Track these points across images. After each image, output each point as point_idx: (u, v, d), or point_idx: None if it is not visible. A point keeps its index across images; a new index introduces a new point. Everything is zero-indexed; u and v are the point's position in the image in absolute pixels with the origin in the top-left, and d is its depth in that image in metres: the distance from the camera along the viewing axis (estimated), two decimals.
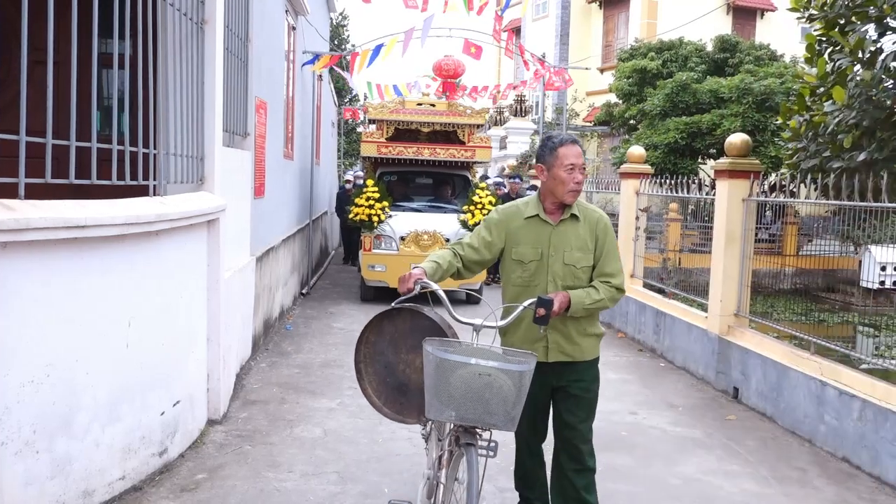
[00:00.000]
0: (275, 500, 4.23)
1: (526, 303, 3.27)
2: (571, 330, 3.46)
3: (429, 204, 11.78)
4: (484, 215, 10.41)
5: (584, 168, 3.40)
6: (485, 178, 15.80)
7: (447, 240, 10.60)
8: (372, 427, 5.52)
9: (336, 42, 28.71)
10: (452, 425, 3.12)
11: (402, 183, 12.12)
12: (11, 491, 3.34)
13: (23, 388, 3.36)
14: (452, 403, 2.84)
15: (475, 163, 11.98)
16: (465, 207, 11.06)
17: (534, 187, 13.14)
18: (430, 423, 3.65)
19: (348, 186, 14.75)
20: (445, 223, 10.95)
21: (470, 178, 12.15)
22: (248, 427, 5.40)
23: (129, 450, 4.14)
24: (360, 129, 37.24)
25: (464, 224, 10.87)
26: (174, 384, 4.65)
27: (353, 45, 34.47)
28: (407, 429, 5.48)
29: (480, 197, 11.03)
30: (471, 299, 10.75)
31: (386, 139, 11.28)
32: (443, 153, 11.28)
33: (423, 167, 11.79)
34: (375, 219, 10.66)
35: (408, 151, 11.22)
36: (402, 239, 10.69)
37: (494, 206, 10.65)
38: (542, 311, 3.18)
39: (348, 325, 9.29)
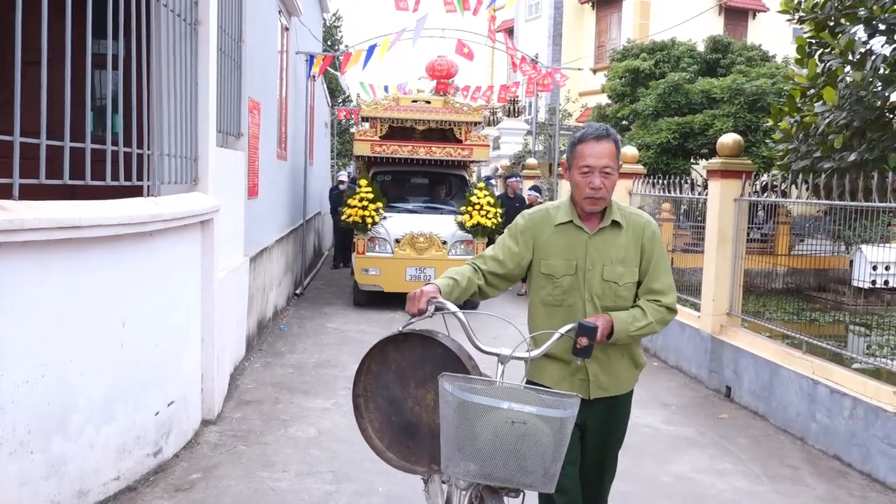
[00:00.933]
0: (269, 499, 4.25)
1: (564, 329, 2.70)
2: (613, 359, 2.92)
3: (424, 205, 11.34)
4: (482, 216, 10.45)
5: (610, 171, 2.79)
6: (487, 179, 15.33)
7: (444, 242, 10.37)
8: None
9: (329, 43, 28.70)
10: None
11: (397, 183, 11.64)
12: (6, 491, 3.34)
13: (17, 389, 3.37)
14: (477, 457, 2.30)
15: (472, 162, 11.63)
16: (463, 208, 10.65)
17: (536, 188, 12.89)
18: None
19: (342, 187, 14.27)
20: (442, 225, 10.56)
21: (467, 177, 11.80)
22: (243, 427, 5.40)
23: (124, 450, 4.15)
24: (353, 130, 37.32)
25: (461, 226, 10.51)
26: (168, 384, 4.65)
27: (347, 46, 34.49)
28: None
29: (479, 197, 10.61)
30: (467, 304, 10.64)
31: (380, 137, 10.81)
32: (439, 152, 10.81)
33: (418, 167, 11.36)
34: (369, 220, 10.21)
35: (402, 150, 10.76)
36: (397, 241, 10.29)
37: (493, 206, 10.52)
38: (584, 341, 2.62)
39: (342, 325, 9.30)
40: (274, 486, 4.41)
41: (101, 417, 3.95)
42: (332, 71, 13.30)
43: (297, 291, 11.64)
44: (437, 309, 2.67)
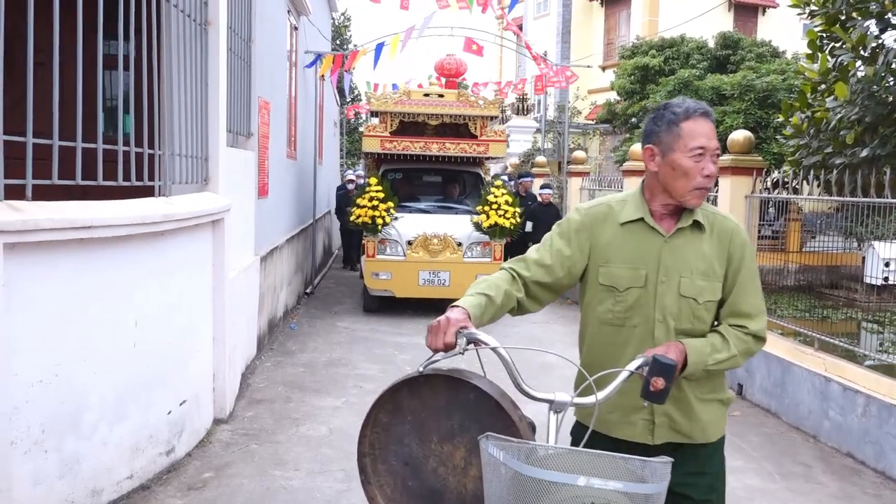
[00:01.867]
0: (281, 497, 4.26)
1: (632, 366, 2.07)
2: (689, 395, 2.28)
3: (438, 204, 10.72)
4: (500, 216, 9.74)
5: (718, 155, 2.26)
6: (498, 176, 15.13)
7: (459, 244, 9.74)
8: None
9: (338, 42, 28.73)
10: None
11: (408, 181, 11.00)
12: (21, 490, 3.36)
13: (32, 388, 3.39)
14: None
15: (488, 158, 11.00)
16: (479, 208, 9.91)
17: (547, 186, 12.25)
18: None
19: (350, 186, 13.75)
20: (457, 225, 9.91)
21: (483, 175, 11.15)
22: (254, 426, 5.42)
23: (137, 449, 4.17)
24: (362, 129, 37.35)
25: (477, 226, 9.83)
26: (180, 383, 4.67)
27: (356, 45, 34.52)
28: None
29: (496, 196, 9.87)
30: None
31: (390, 133, 10.13)
32: (453, 148, 10.13)
33: (431, 163, 10.66)
34: (380, 221, 9.56)
35: (414, 146, 10.07)
36: (410, 243, 9.67)
37: (511, 205, 9.82)
38: (659, 383, 2.03)
39: (352, 323, 9.31)
40: (286, 485, 4.42)
41: (114, 416, 3.97)
42: (342, 71, 13.12)
43: (308, 290, 11.67)
44: (471, 342, 2.02)
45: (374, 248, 9.72)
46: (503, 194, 9.89)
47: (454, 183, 11.22)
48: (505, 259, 9.70)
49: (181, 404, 4.66)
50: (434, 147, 10.11)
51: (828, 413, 5.51)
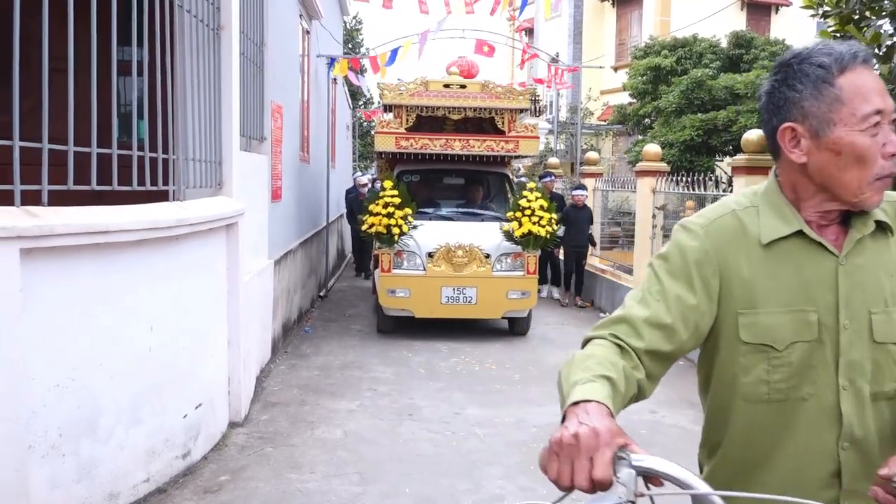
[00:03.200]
0: (297, 501, 4.27)
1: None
2: None
3: (461, 210, 9.46)
4: (534, 223, 8.44)
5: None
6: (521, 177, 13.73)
7: (487, 255, 8.52)
8: (392, 428, 5.54)
9: (350, 46, 28.82)
10: None
11: (426, 184, 9.82)
12: (39, 494, 3.38)
13: (48, 393, 3.41)
14: None
15: (518, 157, 9.85)
16: (510, 214, 8.63)
17: (582, 187, 11.36)
18: None
19: (362, 190, 13.05)
20: (484, 235, 8.65)
21: (510, 176, 10.04)
22: (270, 429, 5.44)
23: (153, 452, 4.19)
24: (374, 132, 37.43)
25: (508, 235, 8.55)
26: (196, 387, 4.69)
27: (368, 49, 34.59)
28: (427, 429, 5.52)
29: (529, 200, 8.55)
30: (515, 329, 9.03)
31: (406, 129, 8.92)
32: (478, 146, 8.91)
33: (452, 164, 9.45)
34: (396, 231, 8.27)
35: (434, 144, 8.87)
36: (430, 255, 8.47)
37: (547, 210, 8.54)
38: None
39: (366, 327, 9.32)
40: (302, 488, 4.43)
41: (130, 420, 3.99)
42: (351, 76, 13.00)
43: (321, 294, 11.69)
44: (641, 474, 1.16)
45: (389, 261, 8.49)
46: (537, 198, 8.60)
47: (478, 185, 10.00)
48: (539, 273, 9.19)
49: (197, 408, 4.68)
50: (457, 145, 8.91)
51: None
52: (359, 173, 15.88)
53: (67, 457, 3.55)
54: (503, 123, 9.09)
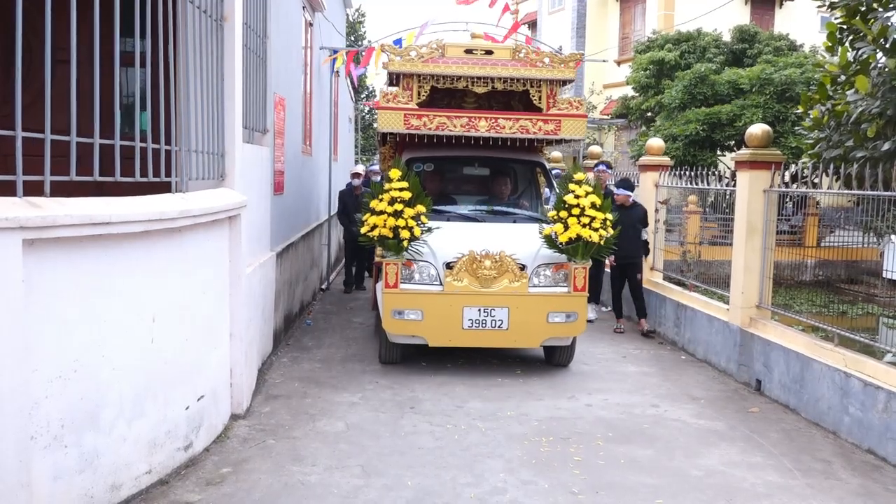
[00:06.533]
0: (299, 493, 4.26)
1: None
2: None
3: (487, 208, 7.61)
4: (583, 226, 6.60)
5: None
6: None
7: (522, 267, 6.70)
8: (394, 421, 5.54)
9: (353, 38, 28.75)
10: None
11: (441, 175, 7.96)
12: (41, 485, 3.38)
13: (51, 384, 3.41)
14: None
15: (560, 141, 7.71)
16: (552, 214, 6.81)
17: (625, 181, 9.22)
18: None
19: (356, 183, 11.16)
20: (518, 240, 6.84)
21: (547, 166, 8.17)
22: (271, 421, 5.44)
23: (155, 444, 4.19)
24: (376, 125, 37.31)
25: (549, 241, 6.72)
26: (198, 379, 4.69)
27: (370, 42, 34.49)
28: (429, 422, 5.52)
29: (578, 196, 6.71)
30: (554, 360, 7.28)
31: (417, 105, 7.00)
32: (509, 126, 6.96)
33: (475, 149, 7.27)
34: (405, 234, 6.44)
35: (454, 125, 6.93)
36: (449, 266, 6.65)
37: (601, 209, 6.72)
38: None
39: (368, 320, 9.31)
40: (303, 480, 4.43)
41: (133, 412, 3.98)
42: (352, 70, 12.90)
43: (323, 287, 11.69)
44: None
45: (396, 273, 6.64)
46: (587, 193, 6.75)
47: (506, 177, 8.09)
48: (589, 290, 7.06)
49: (199, 400, 4.67)
50: (482, 125, 6.96)
51: (848, 409, 5.45)
52: (361, 165, 14.68)
53: (70, 448, 3.55)
54: (540, 99, 7.12)
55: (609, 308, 9.88)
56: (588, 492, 4.43)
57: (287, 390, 6.20)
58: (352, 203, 10.80)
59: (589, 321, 8.95)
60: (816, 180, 6.69)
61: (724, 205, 10.91)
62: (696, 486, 4.60)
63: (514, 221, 7.35)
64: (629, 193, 8.97)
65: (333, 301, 10.72)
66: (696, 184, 8.56)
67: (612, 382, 6.82)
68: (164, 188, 4.43)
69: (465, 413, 5.79)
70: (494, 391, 6.39)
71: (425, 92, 7.08)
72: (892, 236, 10.06)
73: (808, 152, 7.04)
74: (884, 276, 10.02)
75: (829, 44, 6.71)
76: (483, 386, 6.53)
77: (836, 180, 6.07)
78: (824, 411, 5.72)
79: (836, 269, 11.13)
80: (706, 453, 5.14)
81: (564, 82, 7.23)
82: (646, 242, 9.10)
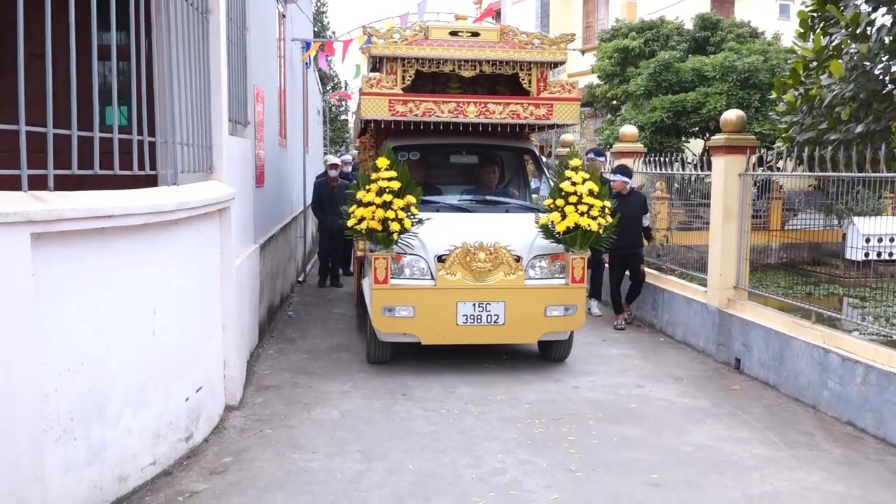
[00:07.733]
0: (303, 479, 4.32)
1: None
2: None
3: (478, 198, 7.32)
4: (582, 214, 6.36)
5: None
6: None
7: (517, 258, 6.42)
8: (387, 407, 5.61)
9: (317, 29, 28.56)
10: None
11: (428, 164, 7.63)
12: (53, 478, 3.39)
13: (60, 377, 3.42)
14: None
15: (552, 126, 7.47)
16: (548, 202, 6.55)
17: (622, 167, 8.79)
18: None
19: (332, 174, 10.75)
20: (513, 230, 6.58)
21: (537, 153, 7.89)
22: (266, 411, 5.47)
23: (159, 435, 4.21)
24: (343, 117, 37.01)
25: (546, 230, 6.48)
26: (196, 370, 4.71)
27: (334, 33, 34.28)
28: (422, 408, 5.60)
29: (575, 183, 6.45)
30: (551, 355, 7.02)
31: (402, 90, 6.71)
32: (499, 111, 6.72)
33: (463, 136, 7.03)
34: (395, 227, 6.13)
35: (441, 110, 6.66)
36: (441, 260, 6.37)
37: (599, 196, 6.47)
38: None
39: (348, 310, 9.34)
40: (306, 467, 4.48)
41: (137, 403, 4.00)
42: (322, 60, 12.89)
43: (300, 279, 11.68)
44: None
45: (386, 268, 6.32)
46: (585, 180, 6.50)
47: (494, 165, 7.85)
48: (591, 282, 7.07)
49: (197, 391, 4.69)
50: (471, 110, 6.71)
51: (827, 383, 5.65)
52: (331, 155, 14.25)
53: (79, 440, 3.56)
54: (530, 82, 6.89)
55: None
56: (585, 469, 4.55)
57: (277, 381, 6.23)
58: (326, 195, 10.72)
59: (598, 316, 9.05)
60: (780, 165, 6.86)
61: (690, 190, 11.10)
62: (688, 460, 4.75)
63: (507, 211, 7.10)
64: (626, 180, 8.50)
65: (311, 293, 10.72)
66: (665, 169, 8.70)
67: (596, 365, 6.96)
68: (151, 182, 4.41)
69: (457, 398, 5.87)
70: (483, 376, 6.48)
71: (410, 76, 6.77)
72: (854, 217, 10.39)
73: (782, 136, 7.23)
74: (845, 256, 10.33)
75: (802, 30, 6.91)
76: (471, 371, 6.61)
77: (799, 164, 6.17)
78: (804, 386, 5.92)
79: (800, 251, 11.41)
80: (694, 430, 5.30)
81: (555, 64, 7.02)
82: (648, 228, 8.74)
